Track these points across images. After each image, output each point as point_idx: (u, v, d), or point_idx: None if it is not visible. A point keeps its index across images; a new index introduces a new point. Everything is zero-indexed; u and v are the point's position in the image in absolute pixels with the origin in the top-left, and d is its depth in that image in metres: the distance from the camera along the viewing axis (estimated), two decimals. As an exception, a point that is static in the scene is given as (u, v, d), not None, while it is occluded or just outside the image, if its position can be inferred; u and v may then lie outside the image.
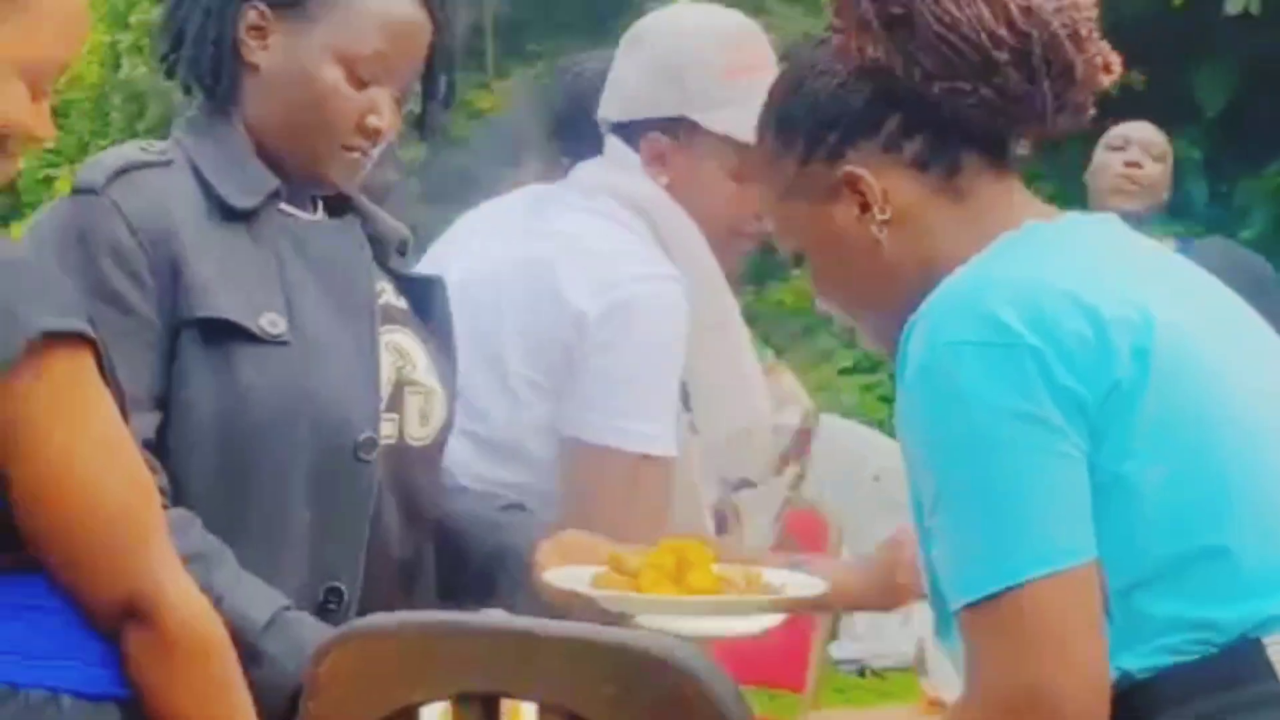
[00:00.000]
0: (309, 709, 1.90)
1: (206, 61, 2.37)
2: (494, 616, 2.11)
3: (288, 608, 2.21)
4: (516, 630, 1.89)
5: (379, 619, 1.97)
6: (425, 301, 2.49)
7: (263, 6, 2.35)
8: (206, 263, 2.25)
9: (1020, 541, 1.81)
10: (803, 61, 2.06)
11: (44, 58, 1.92)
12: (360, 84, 2.34)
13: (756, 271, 13.43)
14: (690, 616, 2.39)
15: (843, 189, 2.00)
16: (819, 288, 2.08)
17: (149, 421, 2.22)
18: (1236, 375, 1.91)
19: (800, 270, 2.46)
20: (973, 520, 1.84)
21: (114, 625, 1.87)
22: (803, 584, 2.45)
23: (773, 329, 12.88)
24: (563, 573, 2.38)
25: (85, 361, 1.85)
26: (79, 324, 1.84)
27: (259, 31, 2.35)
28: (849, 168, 2.00)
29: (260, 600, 2.19)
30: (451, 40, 2.43)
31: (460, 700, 1.85)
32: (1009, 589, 1.80)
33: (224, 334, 2.24)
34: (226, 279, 2.26)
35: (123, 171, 2.28)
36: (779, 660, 4.09)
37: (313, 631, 2.18)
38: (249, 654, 2.06)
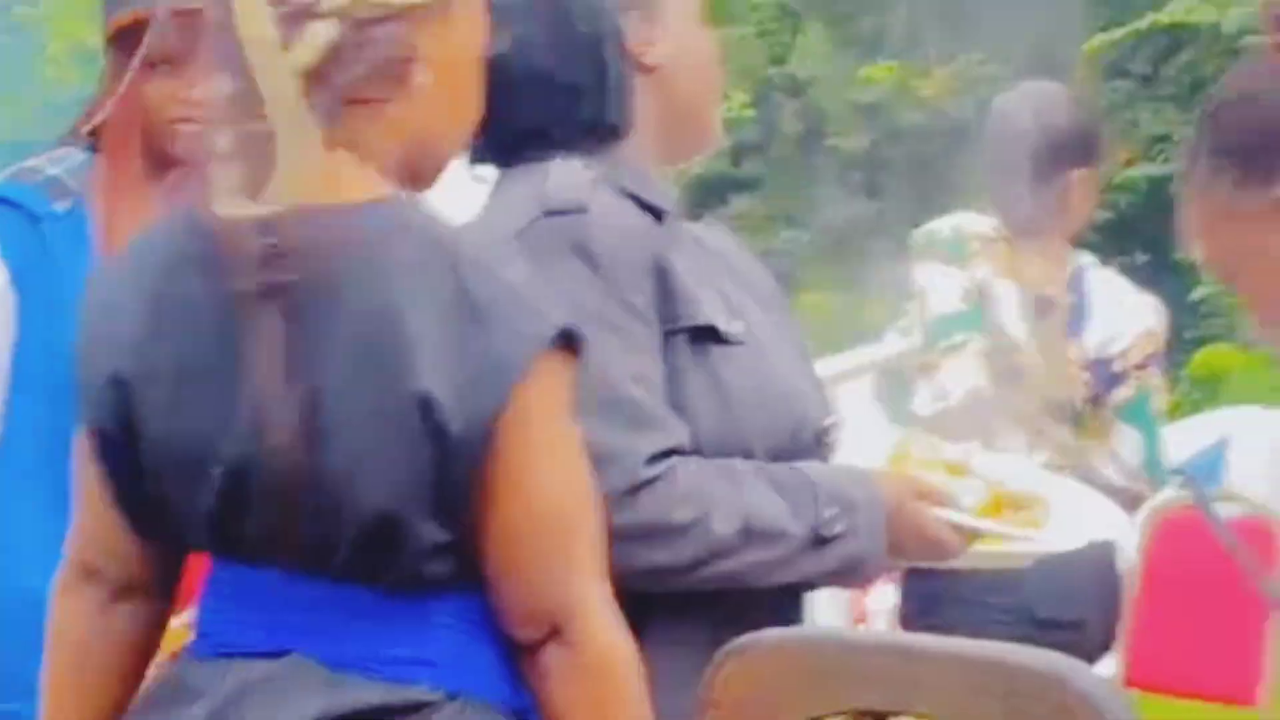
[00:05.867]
0: (706, 725, 1.97)
1: None
2: (880, 633, 2.16)
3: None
4: (904, 646, 1.93)
5: (767, 635, 2.01)
6: None
7: None
8: (677, 268, 2.27)
9: None
10: (1241, 83, 2.04)
11: None
12: None
13: None
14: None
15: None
16: (1259, 315, 2.04)
17: (680, 428, 2.24)
18: None
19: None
20: None
21: (535, 640, 1.91)
22: None
23: None
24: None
25: (573, 371, 1.90)
26: (578, 331, 1.88)
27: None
28: None
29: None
30: None
31: (856, 717, 1.89)
32: None
33: (704, 338, 2.27)
34: (694, 284, 2.28)
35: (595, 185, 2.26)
36: (1226, 669, 3.83)
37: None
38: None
